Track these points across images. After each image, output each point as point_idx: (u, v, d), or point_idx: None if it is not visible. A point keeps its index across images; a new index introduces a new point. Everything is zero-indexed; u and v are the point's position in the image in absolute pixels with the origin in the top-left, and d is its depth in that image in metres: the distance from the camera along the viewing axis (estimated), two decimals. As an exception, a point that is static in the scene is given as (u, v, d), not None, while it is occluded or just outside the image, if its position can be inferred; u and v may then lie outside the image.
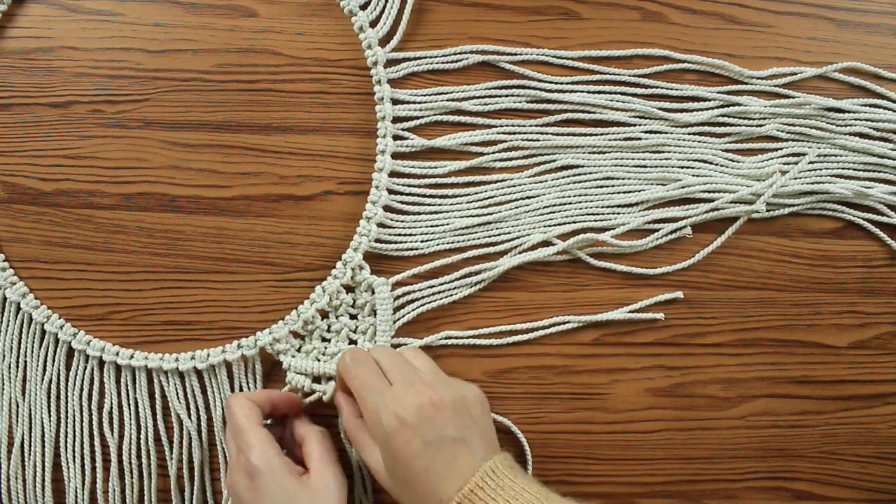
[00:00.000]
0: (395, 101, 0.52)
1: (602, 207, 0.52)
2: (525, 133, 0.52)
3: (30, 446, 0.49)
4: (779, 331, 0.53)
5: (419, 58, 0.52)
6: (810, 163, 0.53)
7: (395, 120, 0.51)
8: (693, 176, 0.53)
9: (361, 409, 0.43)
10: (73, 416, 0.49)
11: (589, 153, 0.53)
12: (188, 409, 0.50)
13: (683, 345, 0.53)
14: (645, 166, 0.53)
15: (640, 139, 0.52)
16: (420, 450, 0.40)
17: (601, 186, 0.53)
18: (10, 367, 0.49)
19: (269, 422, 0.47)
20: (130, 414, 0.49)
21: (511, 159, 0.52)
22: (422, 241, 0.51)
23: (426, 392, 0.41)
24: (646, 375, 0.52)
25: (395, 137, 0.51)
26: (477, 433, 0.42)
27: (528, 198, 0.52)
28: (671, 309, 0.52)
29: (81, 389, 0.49)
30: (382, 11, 0.52)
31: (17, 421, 0.49)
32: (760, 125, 0.53)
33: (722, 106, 0.53)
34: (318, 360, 0.50)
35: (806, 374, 0.53)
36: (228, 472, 0.43)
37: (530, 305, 0.52)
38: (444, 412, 0.41)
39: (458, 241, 0.51)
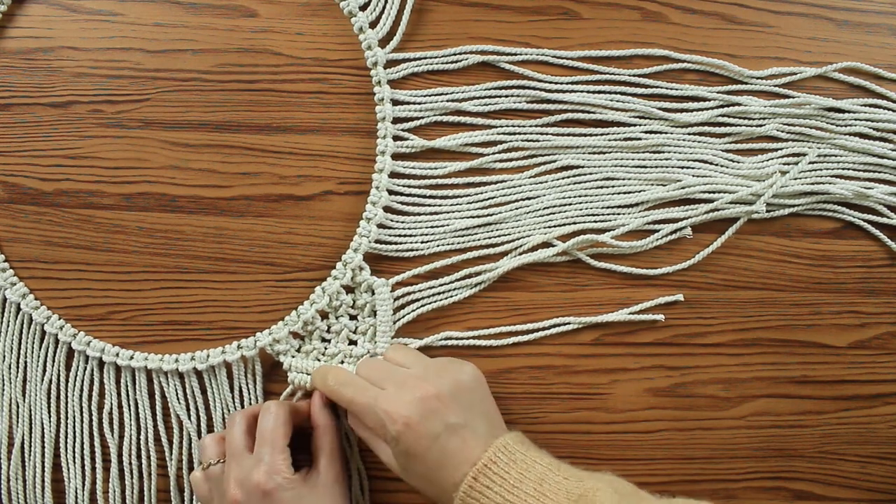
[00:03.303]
0: (395, 102, 0.51)
1: (602, 208, 0.52)
2: (525, 133, 0.52)
3: (30, 447, 0.49)
4: (779, 331, 0.53)
5: (419, 58, 0.52)
6: (810, 163, 0.53)
7: (396, 121, 0.51)
8: (693, 176, 0.53)
9: (365, 423, 0.43)
10: (73, 417, 0.49)
11: (589, 153, 0.53)
12: (188, 409, 0.50)
13: (683, 345, 0.53)
14: (645, 167, 0.53)
15: (640, 139, 0.52)
16: (430, 444, 0.41)
17: (601, 187, 0.53)
18: (10, 368, 0.49)
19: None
20: (130, 414, 0.49)
21: (511, 160, 0.52)
22: (422, 242, 0.51)
23: (421, 387, 0.42)
24: (646, 375, 0.52)
25: (396, 138, 0.51)
26: (480, 415, 0.43)
27: (529, 199, 0.52)
28: (671, 309, 0.52)
29: (81, 390, 0.49)
30: (382, 12, 0.52)
31: (18, 421, 0.49)
32: (760, 125, 0.53)
33: (722, 106, 0.53)
34: (319, 360, 0.50)
35: (806, 374, 0.53)
36: (237, 479, 0.43)
37: (530, 306, 0.52)
38: (443, 402, 0.42)
39: (459, 243, 0.51)
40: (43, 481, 0.49)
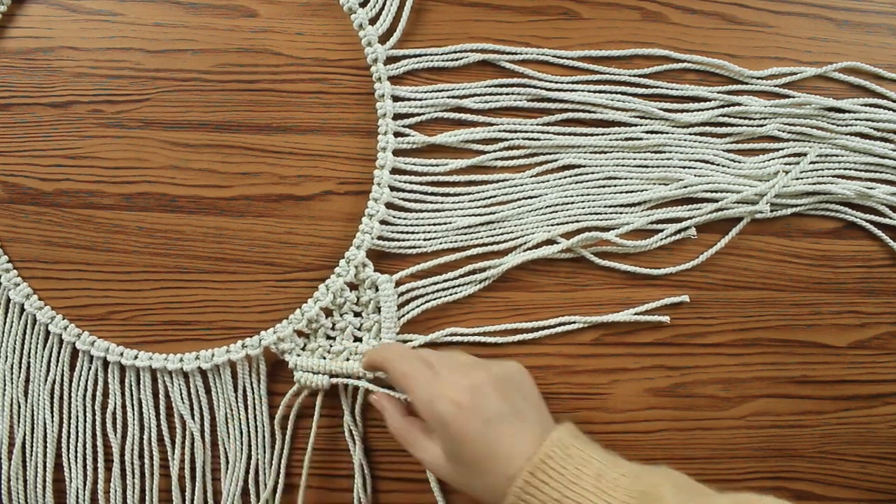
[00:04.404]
0: (395, 98, 0.51)
1: (604, 207, 0.52)
2: (526, 132, 0.52)
3: (31, 447, 0.49)
4: (779, 331, 0.53)
5: (419, 55, 0.52)
6: (811, 163, 0.53)
7: (396, 117, 0.51)
8: (695, 176, 0.53)
9: (414, 402, 0.43)
10: (77, 417, 0.49)
11: (590, 153, 0.53)
12: (191, 409, 0.50)
13: (683, 345, 0.53)
14: (646, 166, 0.53)
15: (641, 139, 0.52)
16: (481, 428, 0.40)
17: (603, 186, 0.53)
18: (13, 368, 0.49)
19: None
20: (134, 414, 0.49)
21: (512, 158, 0.52)
22: (424, 240, 0.51)
23: (475, 372, 0.42)
24: (646, 375, 0.52)
25: (397, 134, 0.51)
26: (531, 406, 0.42)
27: (530, 197, 0.52)
28: (671, 309, 0.52)
29: (85, 390, 0.49)
30: (382, 9, 0.52)
31: (19, 421, 0.49)
32: (761, 125, 0.53)
33: (722, 106, 0.53)
34: (324, 358, 0.50)
35: (806, 374, 0.53)
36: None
37: (531, 305, 0.52)
38: (496, 389, 0.41)
39: (461, 241, 0.51)
40: (44, 481, 0.49)
